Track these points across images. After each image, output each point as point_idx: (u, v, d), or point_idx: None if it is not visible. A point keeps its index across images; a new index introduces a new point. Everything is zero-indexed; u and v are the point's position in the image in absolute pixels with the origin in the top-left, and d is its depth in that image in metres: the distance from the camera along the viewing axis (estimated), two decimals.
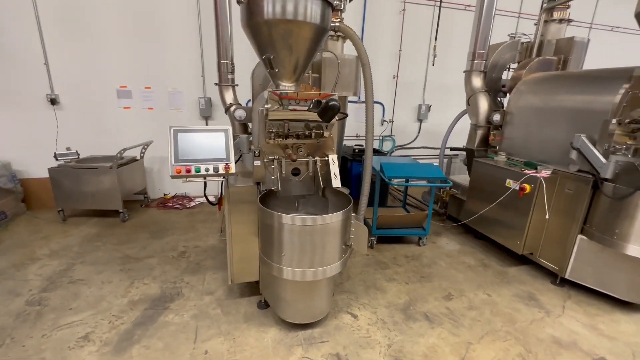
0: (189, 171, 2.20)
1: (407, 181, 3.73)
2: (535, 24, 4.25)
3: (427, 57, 6.21)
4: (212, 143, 2.30)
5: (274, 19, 1.90)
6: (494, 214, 3.80)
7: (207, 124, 5.43)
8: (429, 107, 6.52)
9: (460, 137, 5.27)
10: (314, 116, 2.19)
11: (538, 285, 3.37)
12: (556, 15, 4.07)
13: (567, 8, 4.05)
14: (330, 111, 2.02)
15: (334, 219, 2.17)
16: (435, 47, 5.49)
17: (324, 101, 2.09)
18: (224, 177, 2.37)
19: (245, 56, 3.68)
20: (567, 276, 3.23)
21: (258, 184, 2.56)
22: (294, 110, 2.17)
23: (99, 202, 4.37)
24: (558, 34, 4.11)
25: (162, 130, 5.22)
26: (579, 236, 3.10)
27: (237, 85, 3.44)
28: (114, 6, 4.61)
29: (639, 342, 2.61)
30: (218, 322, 2.62)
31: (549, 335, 2.64)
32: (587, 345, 2.55)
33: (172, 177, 2.18)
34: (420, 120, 6.60)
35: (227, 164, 2.29)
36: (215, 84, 3.43)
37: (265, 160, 2.47)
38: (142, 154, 4.97)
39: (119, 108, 5.01)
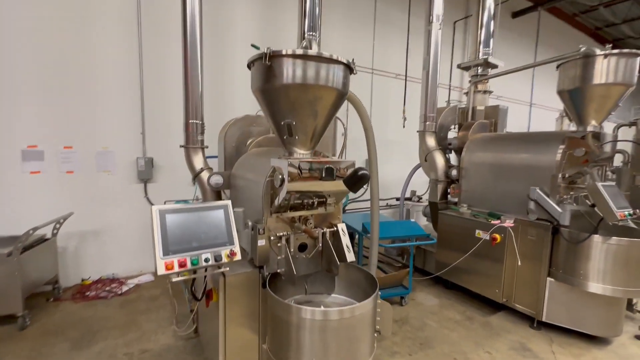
0: (183, 265, 1.66)
1: (393, 242, 3.64)
2: (465, 93, 5.03)
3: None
4: (210, 224, 1.83)
5: (297, 84, 1.71)
6: (467, 264, 3.95)
7: (146, 188, 4.60)
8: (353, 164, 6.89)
9: (397, 187, 5.58)
10: (334, 185, 1.96)
11: (521, 332, 3.48)
12: (480, 87, 4.91)
13: (487, 82, 4.93)
14: (360, 181, 1.83)
15: (366, 307, 1.86)
16: (404, 111, 5.92)
17: (347, 170, 1.90)
18: (226, 267, 1.87)
19: (209, 114, 3.33)
20: (544, 319, 3.42)
21: (261, 267, 2.11)
22: (314, 179, 1.91)
23: None
24: (483, 102, 4.92)
25: (85, 197, 4.29)
26: (548, 279, 3.38)
27: (207, 147, 3.01)
28: (28, 51, 3.79)
29: None
30: None
31: None
32: None
33: (161, 275, 1.61)
34: None
35: (231, 249, 1.82)
36: (181, 146, 2.95)
37: (271, 238, 2.07)
38: (54, 232, 3.83)
39: (24, 173, 3.89)
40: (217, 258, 1.76)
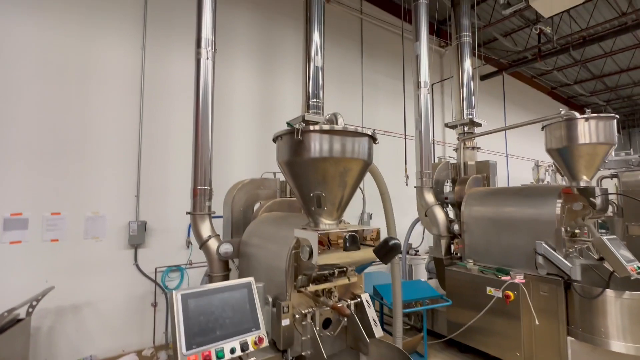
0: (208, 359, 1.46)
1: (414, 305, 3.45)
2: (455, 150, 5.31)
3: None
4: (234, 306, 1.67)
5: (329, 157, 1.72)
6: (481, 324, 3.77)
7: (136, 254, 4.29)
8: (370, 215, 6.89)
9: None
10: (363, 255, 1.88)
11: None
12: (468, 144, 5.21)
13: (473, 139, 5.26)
14: (392, 252, 1.77)
15: None
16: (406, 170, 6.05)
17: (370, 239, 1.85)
18: (252, 357, 1.66)
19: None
20: None
21: (284, 351, 1.90)
22: (340, 250, 1.83)
23: None
24: (472, 157, 5.18)
25: (68, 268, 3.92)
26: (568, 338, 3.26)
27: (214, 213, 2.90)
28: (22, 112, 3.71)
29: None
30: None
31: None
32: None
33: None
34: None
35: (258, 335, 1.64)
36: (188, 213, 2.82)
37: (296, 315, 1.91)
38: (30, 310, 3.39)
39: (3, 243, 3.55)
40: (244, 347, 1.57)
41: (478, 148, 5.26)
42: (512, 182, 10.74)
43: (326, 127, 1.73)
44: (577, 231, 3.59)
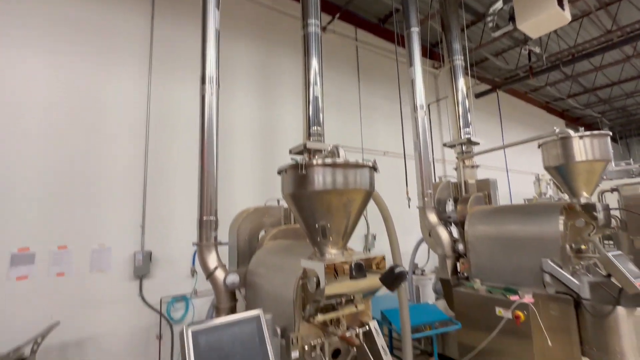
0: None
1: (424, 329, 3.40)
2: (455, 169, 5.38)
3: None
4: (244, 341, 1.68)
5: (333, 189, 1.78)
6: (493, 346, 3.68)
7: (141, 285, 4.28)
8: (374, 236, 6.88)
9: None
10: (369, 283, 1.90)
11: None
12: (467, 163, 5.29)
13: (472, 158, 5.34)
14: (398, 279, 1.80)
15: None
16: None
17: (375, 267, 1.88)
18: None
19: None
20: None
21: None
22: (350, 277, 1.85)
23: None
24: (472, 175, 5.24)
25: (73, 302, 3.90)
26: (583, 359, 3.18)
27: (220, 243, 2.94)
28: (30, 151, 3.82)
29: None
30: None
31: None
32: None
33: None
34: (368, 249, 6.80)
35: None
36: (194, 244, 2.85)
37: (305, 347, 1.90)
38: (35, 348, 3.35)
39: (10, 280, 3.57)
40: None
41: (477, 166, 5.33)
42: (515, 197, 10.75)
43: (328, 160, 1.80)
44: (583, 247, 3.59)
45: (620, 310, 3.03)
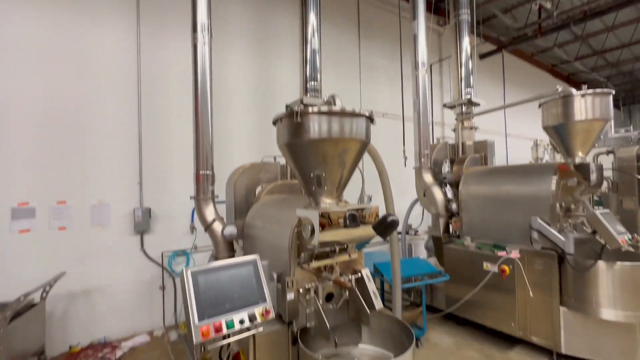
0: (219, 329, 1.57)
1: (413, 280, 3.57)
2: (454, 130, 5.33)
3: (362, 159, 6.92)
4: (241, 281, 1.76)
5: (328, 138, 1.77)
6: (478, 298, 3.91)
7: (142, 240, 4.41)
8: (370, 198, 6.98)
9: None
10: (362, 232, 1.97)
11: None
12: (466, 124, 5.23)
13: (472, 119, 5.28)
14: (390, 227, 1.86)
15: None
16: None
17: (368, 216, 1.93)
18: (260, 327, 1.77)
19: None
20: (563, 351, 3.38)
21: (290, 323, 2.01)
22: (344, 226, 1.91)
23: None
24: (471, 137, 5.21)
25: (78, 255, 4.04)
26: (561, 308, 3.40)
27: (217, 197, 2.98)
28: (22, 103, 3.73)
29: None
30: None
31: None
32: None
33: (198, 344, 1.50)
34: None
35: (265, 307, 1.74)
36: (191, 198, 2.89)
37: (299, 290, 2.01)
38: (44, 295, 3.53)
39: (13, 232, 3.66)
40: (252, 318, 1.68)
41: (476, 128, 5.28)
42: (511, 162, 10.78)
43: (324, 108, 1.77)
44: (572, 207, 3.68)
45: (601, 264, 3.17)
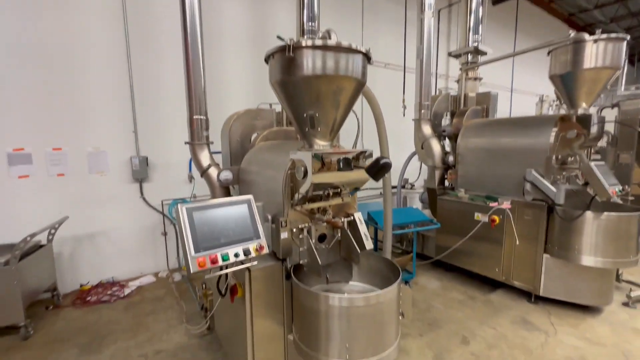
0: (214, 261, 1.65)
1: (403, 228, 3.71)
2: (457, 81, 5.14)
3: (360, 108, 6.75)
4: (236, 219, 1.82)
5: (322, 75, 1.70)
6: (467, 247, 4.10)
7: (141, 188, 4.47)
8: (371, 154, 6.94)
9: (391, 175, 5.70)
10: (356, 175, 1.99)
11: (521, 307, 3.67)
12: (471, 74, 5.02)
13: (477, 69, 5.05)
14: (383, 170, 1.87)
15: (393, 292, 1.91)
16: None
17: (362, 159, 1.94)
18: (254, 262, 1.86)
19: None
20: (541, 294, 3.62)
21: (283, 259, 2.12)
22: (338, 170, 1.92)
23: None
24: (474, 88, 5.04)
25: (79, 200, 4.12)
26: (544, 255, 3.57)
27: (212, 142, 2.96)
28: (13, 50, 3.55)
29: (618, 342, 3.04)
30: None
31: (563, 357, 2.83)
32: (592, 357, 2.83)
33: (194, 273, 1.59)
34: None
35: (259, 243, 1.82)
36: (186, 143, 2.87)
37: (293, 230, 2.08)
38: (50, 237, 3.67)
39: (12, 177, 3.69)
40: (246, 252, 1.76)
41: (480, 79, 5.07)
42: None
43: (319, 42, 1.68)
44: (570, 159, 3.68)
45: (588, 214, 3.26)
